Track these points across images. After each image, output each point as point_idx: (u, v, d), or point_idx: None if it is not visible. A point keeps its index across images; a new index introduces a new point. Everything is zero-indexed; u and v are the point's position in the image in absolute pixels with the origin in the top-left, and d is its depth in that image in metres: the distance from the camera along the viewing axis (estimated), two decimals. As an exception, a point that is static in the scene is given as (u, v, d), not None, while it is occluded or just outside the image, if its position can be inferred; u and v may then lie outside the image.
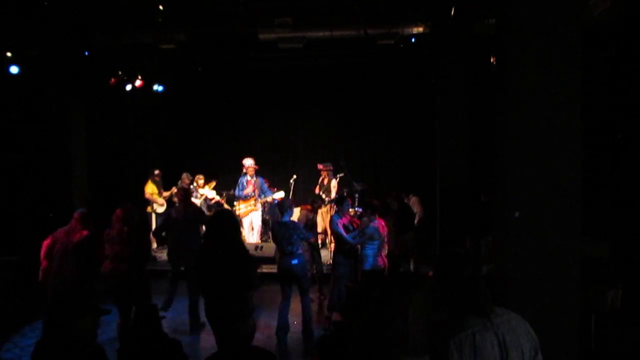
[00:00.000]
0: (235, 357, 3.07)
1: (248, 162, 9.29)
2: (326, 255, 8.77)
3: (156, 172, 10.11)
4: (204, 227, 7.25)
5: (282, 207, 6.06)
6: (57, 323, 2.71)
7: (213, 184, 10.25)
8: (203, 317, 5.03)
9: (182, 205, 6.85)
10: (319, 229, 9.00)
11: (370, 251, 6.04)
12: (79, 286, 5.34)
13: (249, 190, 9.25)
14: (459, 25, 7.34)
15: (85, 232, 5.48)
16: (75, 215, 5.60)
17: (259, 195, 9.30)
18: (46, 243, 5.48)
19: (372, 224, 6.10)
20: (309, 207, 7.64)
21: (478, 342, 2.21)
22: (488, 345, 2.22)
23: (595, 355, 3.94)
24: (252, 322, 3.21)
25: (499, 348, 2.22)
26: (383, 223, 6.30)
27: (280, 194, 9.58)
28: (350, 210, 10.10)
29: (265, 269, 7.98)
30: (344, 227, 6.26)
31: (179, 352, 3.59)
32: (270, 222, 10.10)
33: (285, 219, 5.98)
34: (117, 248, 5.35)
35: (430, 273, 7.61)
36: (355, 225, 6.51)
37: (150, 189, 9.88)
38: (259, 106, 11.99)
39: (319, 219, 9.62)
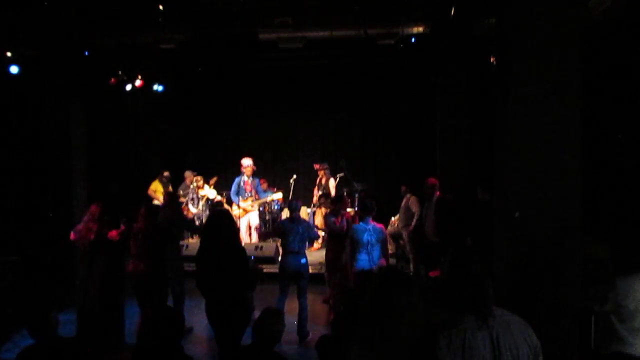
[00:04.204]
0: (239, 357, 3.03)
1: (246, 162, 9.15)
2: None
3: (165, 173, 10.20)
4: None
5: (294, 206, 6.22)
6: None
7: (214, 179, 10.25)
8: (189, 323, 5.05)
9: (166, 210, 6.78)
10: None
11: (362, 255, 5.51)
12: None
13: (246, 190, 9.17)
14: (459, 25, 7.34)
15: (114, 231, 5.45)
16: (93, 208, 5.50)
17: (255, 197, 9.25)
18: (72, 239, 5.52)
19: (355, 226, 5.67)
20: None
21: (469, 340, 2.20)
22: (480, 344, 2.20)
23: (595, 355, 3.93)
24: (252, 322, 3.20)
25: (492, 349, 2.21)
26: (381, 226, 5.73)
27: (278, 195, 9.55)
28: (350, 210, 10.14)
29: (266, 268, 7.94)
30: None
31: None
32: (269, 222, 10.11)
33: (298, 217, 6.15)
34: (138, 247, 5.40)
35: (431, 273, 7.60)
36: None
37: (155, 186, 9.97)
38: (259, 106, 12.00)
39: (318, 218, 9.62)
